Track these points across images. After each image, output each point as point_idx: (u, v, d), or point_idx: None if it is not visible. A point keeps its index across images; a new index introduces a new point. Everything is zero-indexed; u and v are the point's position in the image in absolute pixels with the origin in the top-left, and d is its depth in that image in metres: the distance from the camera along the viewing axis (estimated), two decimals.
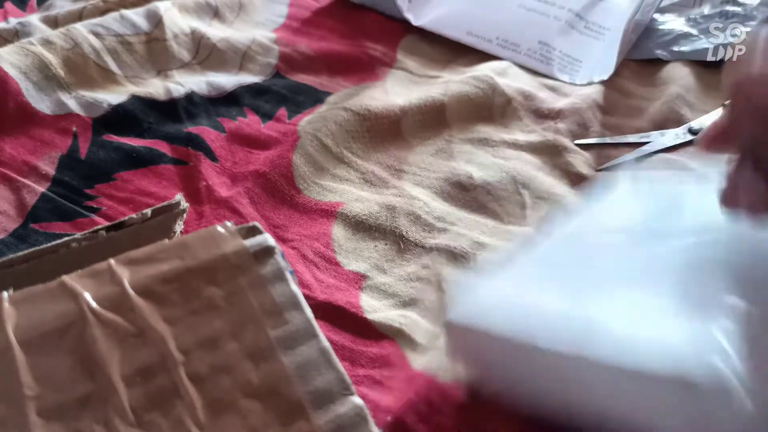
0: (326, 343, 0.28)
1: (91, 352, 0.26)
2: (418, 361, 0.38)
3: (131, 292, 0.27)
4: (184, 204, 0.33)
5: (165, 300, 0.27)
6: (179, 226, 0.33)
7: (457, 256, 0.43)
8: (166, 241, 0.29)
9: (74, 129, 0.47)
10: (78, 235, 0.30)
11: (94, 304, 0.27)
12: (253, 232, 0.30)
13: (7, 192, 0.43)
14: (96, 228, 0.31)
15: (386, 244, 0.43)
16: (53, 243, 0.30)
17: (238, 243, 0.29)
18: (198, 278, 0.28)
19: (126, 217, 0.31)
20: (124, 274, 0.27)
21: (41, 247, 0.30)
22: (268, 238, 0.29)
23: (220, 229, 0.29)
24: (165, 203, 0.33)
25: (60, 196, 0.44)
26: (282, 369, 0.27)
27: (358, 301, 0.40)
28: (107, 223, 0.42)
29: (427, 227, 0.44)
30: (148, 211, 0.32)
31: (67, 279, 0.27)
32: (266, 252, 0.29)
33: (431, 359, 0.38)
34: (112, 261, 0.28)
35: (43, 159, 0.45)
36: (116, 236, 0.31)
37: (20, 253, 0.30)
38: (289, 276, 0.29)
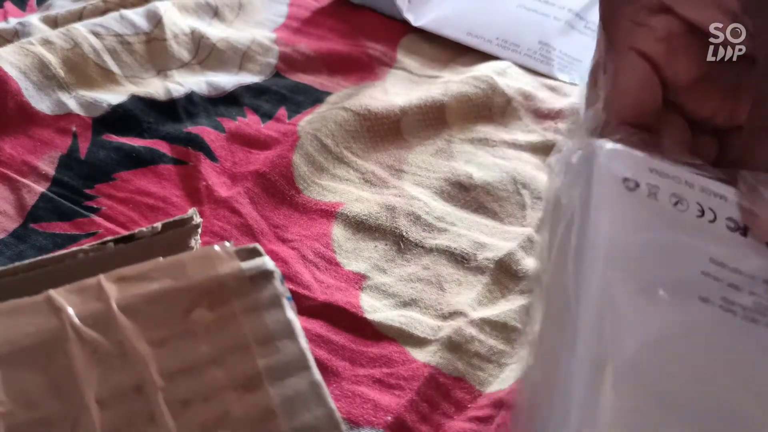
0: (318, 377, 0.27)
1: (69, 370, 0.25)
2: (421, 356, 0.38)
3: (116, 310, 0.26)
4: (198, 219, 0.32)
5: (151, 321, 0.26)
6: (196, 242, 0.32)
7: (456, 256, 0.43)
8: (161, 259, 0.28)
9: (74, 129, 0.47)
10: (86, 246, 0.29)
11: (76, 321, 0.26)
12: (253, 254, 0.28)
13: (6, 192, 0.43)
14: (105, 240, 0.30)
15: (386, 245, 0.43)
16: (59, 253, 0.29)
17: (235, 265, 0.28)
18: (188, 300, 0.27)
19: (136, 230, 0.30)
20: (112, 291, 0.26)
21: (46, 256, 0.29)
22: (267, 262, 0.28)
23: (217, 248, 0.28)
24: (177, 217, 0.32)
25: (60, 196, 0.44)
26: (267, 401, 0.26)
27: (358, 302, 0.40)
28: (112, 230, 0.42)
29: (427, 227, 0.44)
30: (159, 225, 0.31)
31: (54, 293, 0.26)
32: (264, 276, 0.28)
33: (434, 354, 0.38)
34: (101, 277, 0.27)
35: (43, 159, 0.45)
36: (125, 249, 0.30)
37: (25, 262, 0.29)
38: (286, 303, 0.28)
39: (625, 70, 0.31)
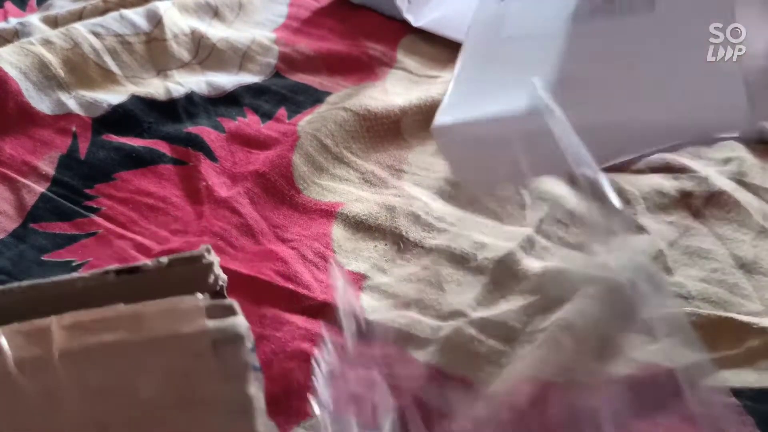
0: None
1: None
2: (421, 356, 0.38)
3: (56, 359, 0.25)
4: (209, 257, 0.29)
5: (90, 374, 0.25)
6: (217, 277, 0.29)
7: (456, 256, 0.42)
8: (122, 306, 0.26)
9: (74, 129, 0.47)
10: (86, 274, 0.28)
11: (11, 365, 0.24)
12: (227, 311, 0.26)
13: (6, 192, 0.43)
14: (106, 269, 0.28)
15: (386, 245, 0.43)
16: (56, 279, 0.28)
17: (200, 324, 0.25)
18: (138, 357, 0.25)
19: (140, 263, 0.28)
20: (59, 337, 0.25)
21: (43, 281, 0.28)
22: (238, 323, 0.25)
23: (188, 301, 0.26)
24: (186, 254, 0.29)
25: (59, 196, 0.44)
26: None
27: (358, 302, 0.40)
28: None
29: (427, 227, 0.44)
30: (165, 260, 0.29)
31: (2, 331, 0.25)
32: (231, 340, 0.25)
33: (434, 353, 0.38)
34: (54, 319, 0.25)
35: (43, 159, 0.45)
36: (128, 280, 0.28)
37: (22, 284, 0.28)
38: (250, 375, 0.25)
39: None
